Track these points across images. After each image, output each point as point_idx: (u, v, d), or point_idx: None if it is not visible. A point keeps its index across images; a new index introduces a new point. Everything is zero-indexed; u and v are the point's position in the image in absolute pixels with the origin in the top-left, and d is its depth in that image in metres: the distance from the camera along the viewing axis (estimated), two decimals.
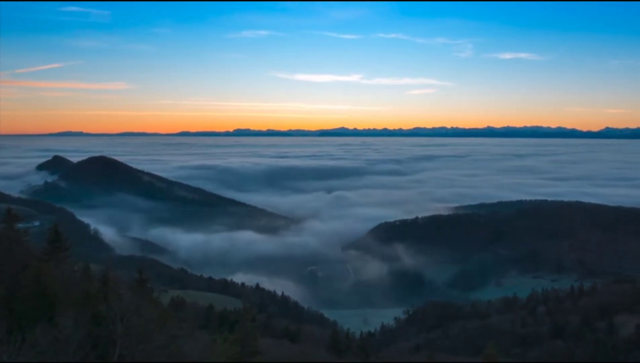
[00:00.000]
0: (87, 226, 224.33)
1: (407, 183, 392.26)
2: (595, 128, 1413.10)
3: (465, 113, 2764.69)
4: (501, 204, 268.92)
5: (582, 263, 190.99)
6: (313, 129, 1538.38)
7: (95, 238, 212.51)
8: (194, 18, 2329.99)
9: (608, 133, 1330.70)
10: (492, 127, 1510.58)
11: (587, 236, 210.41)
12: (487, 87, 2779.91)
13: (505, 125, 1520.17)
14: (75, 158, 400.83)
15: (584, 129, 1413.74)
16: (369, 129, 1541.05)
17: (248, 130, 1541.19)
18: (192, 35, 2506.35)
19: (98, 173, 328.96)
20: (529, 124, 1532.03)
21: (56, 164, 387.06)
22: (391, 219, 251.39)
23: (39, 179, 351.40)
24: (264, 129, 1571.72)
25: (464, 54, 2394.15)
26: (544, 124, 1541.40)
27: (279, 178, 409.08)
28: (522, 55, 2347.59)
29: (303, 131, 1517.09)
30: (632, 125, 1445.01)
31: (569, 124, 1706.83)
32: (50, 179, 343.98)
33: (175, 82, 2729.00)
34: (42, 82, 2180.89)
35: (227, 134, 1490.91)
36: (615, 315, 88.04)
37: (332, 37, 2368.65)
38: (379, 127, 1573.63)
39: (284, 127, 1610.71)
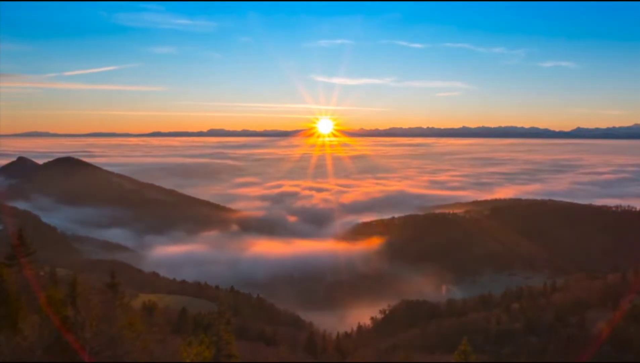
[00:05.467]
0: (53, 229, 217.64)
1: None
2: (567, 128, 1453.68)
3: (460, 113, 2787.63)
4: (476, 203, 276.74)
5: (554, 261, 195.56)
6: (289, 129, 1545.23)
7: (62, 242, 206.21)
8: (280, 27, 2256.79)
9: (579, 133, 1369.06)
10: (467, 127, 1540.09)
11: (559, 234, 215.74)
12: (492, 90, 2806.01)
13: (480, 125, 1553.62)
14: (40, 159, 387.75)
15: (557, 129, 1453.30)
16: (345, 130, 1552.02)
17: (222, 130, 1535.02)
18: (270, 43, 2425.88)
19: (65, 174, 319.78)
20: (503, 125, 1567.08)
21: (20, 166, 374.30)
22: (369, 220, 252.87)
23: (1, 181, 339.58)
24: (239, 129, 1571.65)
25: (512, 62, 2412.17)
26: (518, 124, 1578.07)
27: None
28: (564, 63, 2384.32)
29: (278, 131, 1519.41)
30: (603, 125, 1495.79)
31: (542, 124, 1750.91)
32: (14, 181, 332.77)
33: (211, 86, 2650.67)
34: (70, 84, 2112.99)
35: (200, 134, 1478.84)
36: (586, 311, 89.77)
37: (399, 45, 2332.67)
38: (356, 128, 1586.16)
39: (260, 128, 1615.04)
